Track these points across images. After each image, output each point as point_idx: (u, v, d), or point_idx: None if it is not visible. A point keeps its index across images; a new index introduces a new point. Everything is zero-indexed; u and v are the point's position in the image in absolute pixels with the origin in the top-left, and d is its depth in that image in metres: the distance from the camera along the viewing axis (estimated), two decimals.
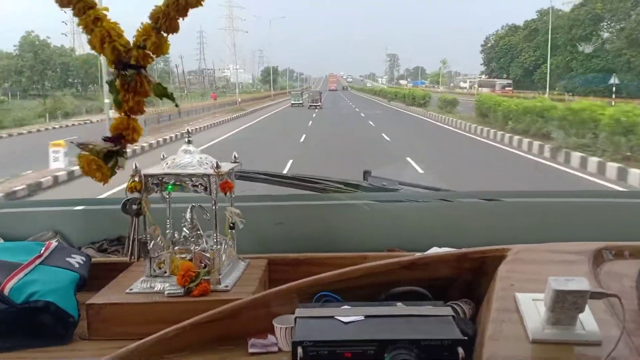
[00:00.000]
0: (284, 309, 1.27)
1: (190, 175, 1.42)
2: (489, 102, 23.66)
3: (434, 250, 1.55)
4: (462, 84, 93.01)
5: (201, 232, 1.51)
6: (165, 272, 1.44)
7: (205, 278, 1.39)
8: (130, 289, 1.42)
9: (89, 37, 1.18)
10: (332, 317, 1.12)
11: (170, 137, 20.47)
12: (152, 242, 1.43)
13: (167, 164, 1.44)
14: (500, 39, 64.46)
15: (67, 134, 22.37)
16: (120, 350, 1.14)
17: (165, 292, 1.38)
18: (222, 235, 1.49)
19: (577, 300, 0.98)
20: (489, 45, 67.46)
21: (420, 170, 12.05)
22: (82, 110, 39.92)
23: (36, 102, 39.25)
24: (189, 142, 1.48)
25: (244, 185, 1.79)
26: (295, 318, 1.13)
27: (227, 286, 1.42)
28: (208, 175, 1.42)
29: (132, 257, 1.41)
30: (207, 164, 1.44)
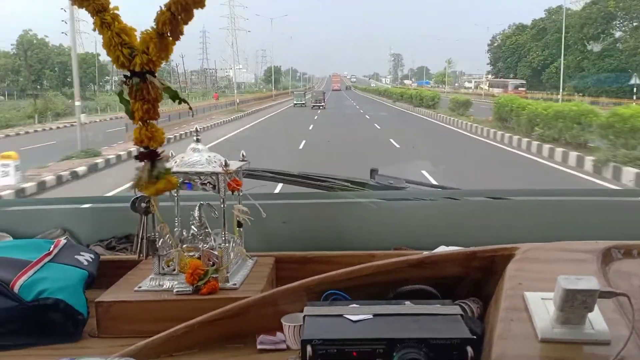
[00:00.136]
0: (292, 307, 1.27)
1: (199, 174, 1.42)
2: (510, 105, 21.03)
3: (442, 249, 1.56)
4: (466, 84, 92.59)
5: (209, 230, 1.51)
6: (174, 270, 1.45)
7: (214, 276, 1.40)
8: (139, 287, 1.43)
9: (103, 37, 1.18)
10: (340, 315, 1.13)
11: (169, 139, 19.91)
12: (161, 240, 1.44)
13: (175, 162, 1.45)
14: (507, 38, 63.31)
15: (48, 137, 21.46)
16: (129, 348, 1.15)
17: (174, 290, 1.39)
18: (230, 233, 1.50)
19: (586, 300, 0.97)
20: (496, 44, 66.25)
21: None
22: (75, 110, 38.59)
23: (27, 102, 37.56)
24: (198, 140, 1.49)
25: (251, 183, 1.79)
26: (304, 316, 1.14)
27: (235, 284, 1.43)
28: (217, 174, 1.42)
29: (141, 255, 1.42)
30: (215, 162, 1.44)
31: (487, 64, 70.06)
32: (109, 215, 1.92)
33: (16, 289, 1.32)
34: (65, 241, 1.57)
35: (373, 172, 2.09)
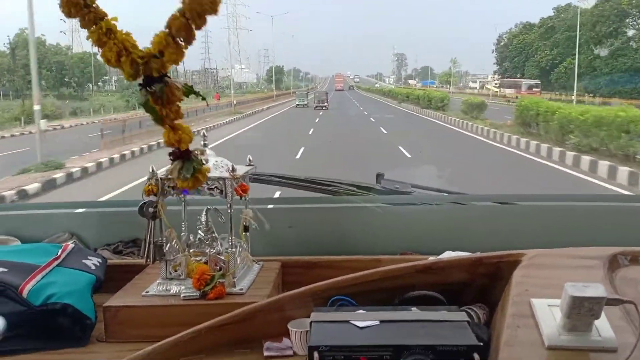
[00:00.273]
0: (298, 312, 1.28)
1: (207, 179, 1.43)
2: (535, 108, 18.56)
3: (448, 254, 1.56)
4: (471, 84, 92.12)
5: (216, 234, 1.52)
6: (181, 275, 1.46)
7: (221, 281, 1.40)
8: (147, 292, 1.44)
9: (101, 49, 1.14)
10: (347, 321, 1.13)
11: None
12: (168, 244, 1.44)
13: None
14: (514, 38, 62.00)
15: (28, 141, 18.86)
16: (137, 353, 1.16)
17: (181, 295, 1.40)
18: (236, 237, 1.50)
19: (593, 307, 0.97)
20: (502, 43, 64.84)
21: None
22: (65, 112, 36.22)
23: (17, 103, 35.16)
24: (205, 145, 1.49)
25: (257, 187, 1.79)
26: (311, 322, 1.14)
27: (242, 289, 1.43)
28: (224, 179, 1.43)
29: (148, 260, 1.43)
30: (222, 167, 1.45)
31: (494, 63, 68.80)
32: (116, 220, 1.93)
33: (25, 293, 1.33)
34: (73, 245, 1.57)
35: (379, 176, 2.10)
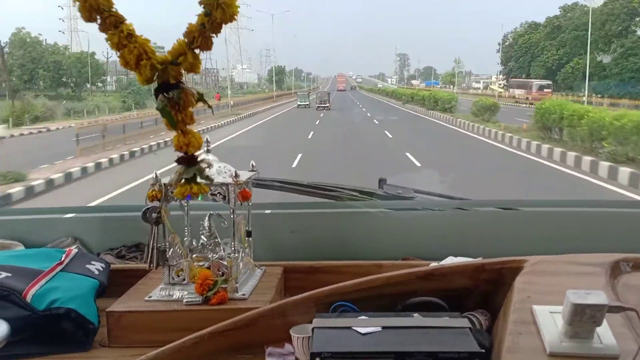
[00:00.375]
0: (301, 318, 1.28)
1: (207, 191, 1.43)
2: (558, 111, 16.63)
3: (450, 260, 1.56)
4: (474, 84, 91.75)
5: (219, 240, 1.52)
6: (184, 280, 1.46)
7: (223, 286, 1.41)
8: (149, 297, 1.44)
9: (120, 52, 1.17)
10: (349, 327, 1.14)
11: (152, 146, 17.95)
12: (171, 250, 1.45)
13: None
14: (520, 37, 61.06)
15: (9, 145, 18.37)
16: (139, 358, 1.16)
17: (184, 301, 1.40)
18: (239, 243, 1.51)
19: (595, 314, 0.98)
20: (507, 43, 63.70)
21: None
22: (57, 113, 34.04)
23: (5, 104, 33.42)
24: (208, 151, 1.50)
25: (260, 192, 1.80)
26: (313, 328, 1.14)
27: (244, 294, 1.44)
28: (227, 184, 1.43)
29: (151, 265, 1.43)
30: (225, 172, 1.45)
31: (498, 63, 67.59)
32: (119, 224, 1.94)
33: (28, 298, 1.33)
34: (76, 250, 1.58)
35: (381, 181, 2.10)
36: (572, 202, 2.37)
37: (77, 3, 1.12)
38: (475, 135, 22.29)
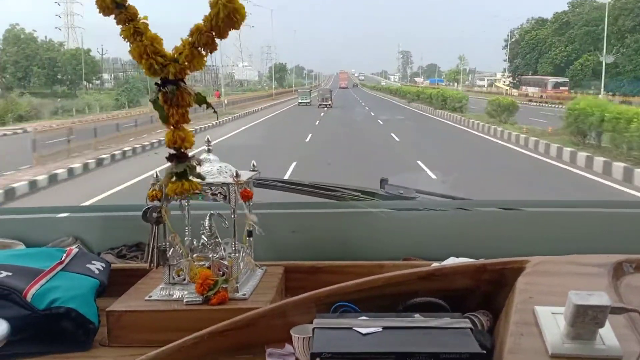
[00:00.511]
0: (301, 318, 1.28)
1: (210, 184, 1.43)
2: (599, 113, 14.39)
3: (452, 260, 1.55)
4: (478, 82, 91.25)
5: (219, 239, 1.52)
6: (184, 280, 1.46)
7: (224, 286, 1.40)
8: (150, 296, 1.44)
9: (130, 46, 1.22)
10: (350, 328, 1.13)
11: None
12: (172, 249, 1.45)
13: None
14: (526, 33, 59.48)
15: None
16: (139, 358, 1.16)
17: (184, 300, 1.40)
18: (240, 242, 1.51)
19: (597, 315, 0.97)
20: (513, 40, 62.07)
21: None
22: (43, 112, 31.68)
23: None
24: (209, 150, 1.49)
25: (261, 192, 1.79)
26: (313, 329, 1.14)
27: (244, 294, 1.43)
28: (227, 184, 1.43)
29: (152, 265, 1.43)
30: (226, 172, 1.45)
31: (504, 60, 66.00)
32: (120, 224, 1.94)
33: (29, 297, 1.33)
34: (77, 250, 1.59)
35: (383, 181, 2.09)
36: (575, 203, 2.36)
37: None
38: (493, 139, 19.68)
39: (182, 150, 1.32)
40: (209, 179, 1.43)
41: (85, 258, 1.56)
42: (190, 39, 1.22)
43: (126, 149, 16.50)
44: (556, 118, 21.03)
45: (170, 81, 1.24)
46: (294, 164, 12.78)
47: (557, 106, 35.70)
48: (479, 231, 1.81)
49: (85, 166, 13.68)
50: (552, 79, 47.07)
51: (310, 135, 20.15)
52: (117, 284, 1.52)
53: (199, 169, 1.37)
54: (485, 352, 1.06)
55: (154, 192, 1.39)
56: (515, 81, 61.43)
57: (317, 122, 26.90)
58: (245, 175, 1.49)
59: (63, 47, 52.41)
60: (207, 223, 1.51)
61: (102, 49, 56.20)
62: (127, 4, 1.20)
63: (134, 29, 1.20)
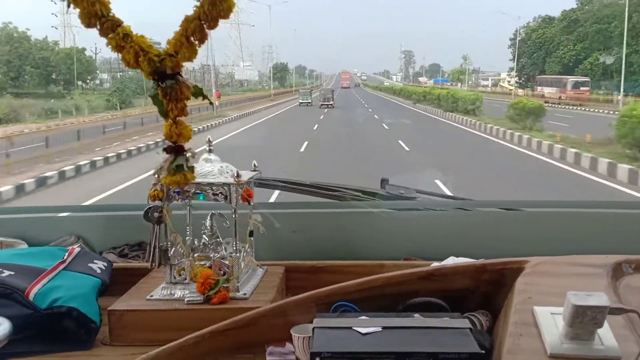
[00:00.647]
0: (302, 318, 1.28)
1: (211, 184, 1.44)
2: None
3: (452, 260, 1.56)
4: (482, 82, 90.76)
5: (220, 239, 1.53)
6: (185, 279, 1.46)
7: (225, 286, 1.41)
8: (151, 296, 1.45)
9: (121, 54, 1.22)
10: (349, 327, 1.14)
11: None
12: (173, 249, 1.45)
13: None
14: (533, 32, 58.56)
15: None
16: (140, 357, 1.17)
17: (185, 300, 1.40)
18: (241, 242, 1.51)
19: (596, 316, 0.98)
20: (519, 38, 59.98)
21: None
22: (25, 115, 30.15)
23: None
24: (210, 151, 1.50)
25: (262, 192, 1.80)
26: (313, 328, 1.15)
27: (245, 294, 1.44)
28: (228, 184, 1.44)
29: (153, 264, 1.44)
30: (227, 172, 1.45)
31: (510, 59, 64.76)
32: (122, 223, 1.95)
33: (31, 296, 1.34)
34: (79, 249, 1.59)
35: (383, 181, 2.10)
36: (575, 203, 2.35)
37: (77, 10, 1.17)
38: (519, 149, 16.96)
39: (179, 144, 1.33)
40: (210, 179, 1.44)
41: (87, 257, 1.57)
42: (183, 33, 1.23)
43: (96, 158, 14.58)
44: (578, 122, 19.38)
45: (168, 75, 1.24)
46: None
47: (573, 108, 34.59)
48: (479, 231, 1.81)
49: (39, 183, 11.79)
50: (571, 79, 44.11)
51: (305, 144, 17.27)
52: (119, 283, 1.53)
53: (197, 167, 1.39)
54: (484, 352, 1.06)
55: (155, 192, 1.40)
56: (521, 81, 60.10)
57: (316, 126, 24.64)
58: (246, 175, 1.49)
59: (57, 46, 51.51)
60: (208, 223, 1.52)
61: (96, 48, 55.35)
62: (111, 13, 1.20)
63: (122, 34, 1.20)
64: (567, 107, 36.98)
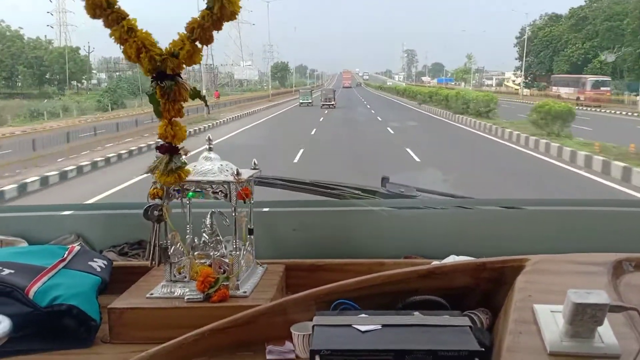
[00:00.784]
0: (301, 316, 1.28)
1: (211, 182, 1.44)
2: None
3: (452, 258, 1.56)
4: (487, 81, 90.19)
5: (220, 237, 1.53)
6: (185, 277, 1.47)
7: (224, 284, 1.41)
8: (151, 294, 1.45)
9: (123, 47, 1.22)
10: (349, 325, 1.13)
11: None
12: (173, 247, 1.45)
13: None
14: (539, 30, 56.92)
15: None
16: (140, 355, 1.17)
17: (185, 298, 1.40)
18: (241, 240, 1.51)
19: (596, 314, 0.97)
20: (525, 37, 57.72)
21: None
22: (6, 117, 28.76)
23: None
24: (210, 149, 1.50)
25: (262, 190, 1.80)
26: (313, 326, 1.14)
27: (245, 292, 1.44)
28: (228, 183, 1.44)
29: (153, 262, 1.44)
30: (227, 170, 1.45)
31: (516, 58, 63.27)
32: (122, 222, 1.95)
33: (31, 295, 1.34)
34: (79, 247, 1.59)
35: (384, 180, 2.09)
36: (575, 202, 2.35)
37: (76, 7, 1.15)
38: (552, 161, 14.32)
39: (173, 145, 1.35)
40: (210, 177, 1.44)
41: (87, 256, 1.57)
42: (189, 34, 1.23)
43: (68, 168, 12.76)
44: (600, 124, 17.89)
45: (168, 75, 1.25)
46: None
47: (589, 109, 32.62)
48: (479, 230, 1.81)
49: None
50: (591, 78, 40.66)
51: (300, 152, 15.25)
52: (119, 282, 1.53)
53: (196, 166, 1.40)
54: (484, 350, 1.06)
55: (155, 190, 1.40)
56: (527, 80, 58.67)
57: (314, 130, 22.39)
58: (246, 173, 1.49)
59: (51, 45, 50.34)
60: (208, 221, 1.52)
61: (89, 47, 54.28)
62: (117, 5, 1.21)
63: (127, 26, 1.20)
64: (585, 108, 34.15)
